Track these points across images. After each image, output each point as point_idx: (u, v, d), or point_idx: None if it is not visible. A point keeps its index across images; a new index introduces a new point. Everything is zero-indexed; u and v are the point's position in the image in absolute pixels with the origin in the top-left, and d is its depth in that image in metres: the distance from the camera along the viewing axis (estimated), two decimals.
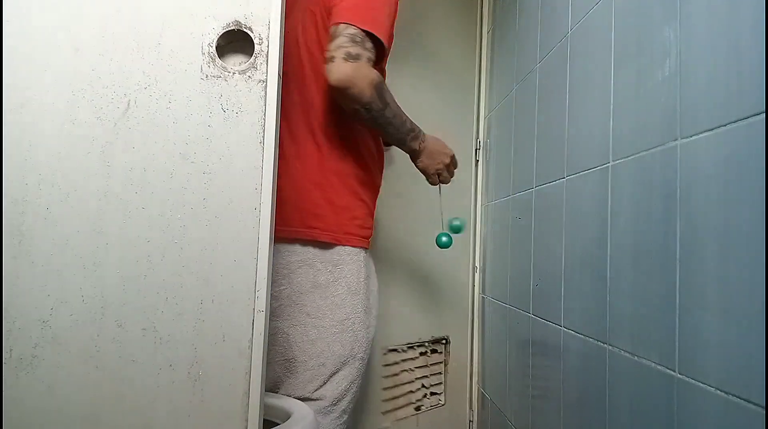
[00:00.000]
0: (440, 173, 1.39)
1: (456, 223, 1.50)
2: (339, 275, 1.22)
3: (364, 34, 1.14)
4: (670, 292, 0.78)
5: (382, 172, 1.40)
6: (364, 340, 1.26)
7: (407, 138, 1.29)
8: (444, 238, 1.49)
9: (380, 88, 1.16)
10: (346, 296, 1.22)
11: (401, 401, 1.79)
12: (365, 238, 1.28)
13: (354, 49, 1.12)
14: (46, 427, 0.81)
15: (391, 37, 1.23)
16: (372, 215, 1.33)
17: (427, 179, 1.40)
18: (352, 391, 1.24)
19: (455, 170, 1.44)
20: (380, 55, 1.20)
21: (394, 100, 1.22)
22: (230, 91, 0.87)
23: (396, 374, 1.81)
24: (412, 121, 1.29)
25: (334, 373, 1.21)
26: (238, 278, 0.85)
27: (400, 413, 1.79)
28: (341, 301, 1.22)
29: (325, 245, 1.22)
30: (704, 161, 0.72)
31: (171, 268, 0.84)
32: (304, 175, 1.23)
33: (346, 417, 1.25)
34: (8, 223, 0.82)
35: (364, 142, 1.30)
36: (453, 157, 1.40)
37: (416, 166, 1.37)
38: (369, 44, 1.14)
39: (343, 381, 1.22)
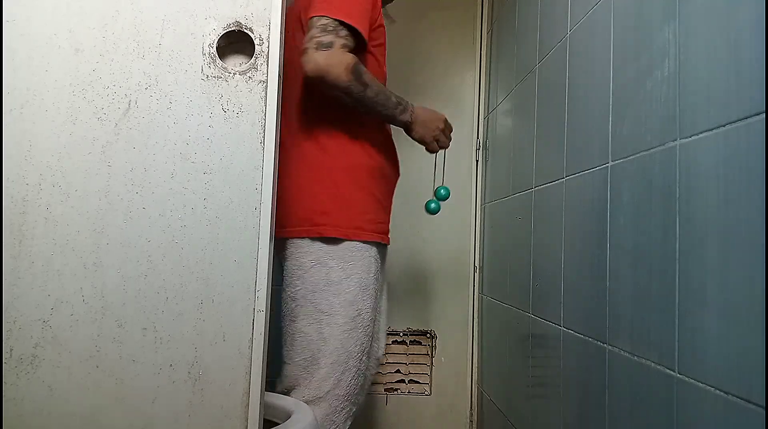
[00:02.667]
0: (438, 139, 1.38)
1: (443, 191, 1.52)
2: (351, 272, 1.23)
3: (336, 23, 1.16)
4: (670, 292, 0.78)
5: (396, 165, 1.39)
6: (371, 336, 1.29)
7: (396, 113, 1.28)
8: (433, 205, 1.51)
9: (357, 71, 1.17)
10: (358, 293, 1.23)
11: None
12: (377, 232, 1.28)
13: (326, 38, 1.14)
14: (46, 427, 0.81)
15: (368, 25, 1.24)
16: (385, 209, 1.33)
17: (427, 149, 1.40)
18: (359, 383, 1.27)
19: (451, 134, 1.43)
20: (360, 42, 1.21)
21: (375, 80, 1.22)
22: (231, 92, 0.87)
23: None
24: (397, 96, 1.29)
25: (345, 370, 1.23)
26: (238, 278, 0.85)
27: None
28: (353, 297, 1.23)
29: (335, 241, 1.23)
30: (704, 161, 0.72)
31: (171, 268, 0.84)
32: (307, 174, 1.25)
33: (355, 408, 1.28)
34: (9, 223, 0.82)
35: (369, 134, 1.30)
36: (446, 121, 1.40)
37: (413, 138, 1.37)
38: (343, 32, 1.16)
39: (354, 377, 1.24)
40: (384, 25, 1.33)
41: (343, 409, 1.23)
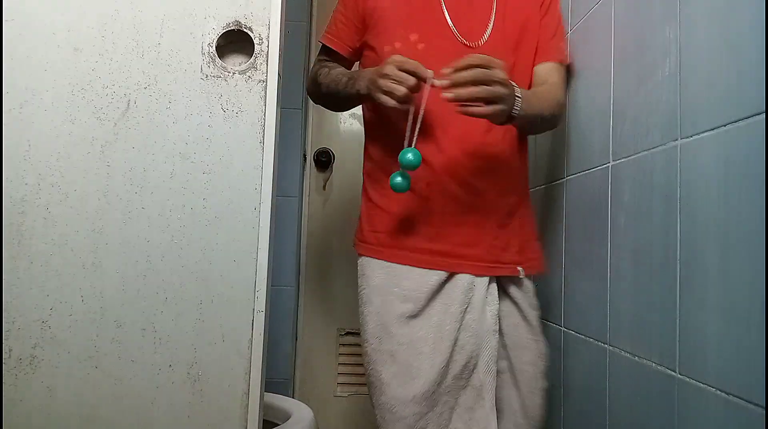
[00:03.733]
0: (380, 86, 1.04)
1: (409, 155, 1.03)
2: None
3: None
4: (671, 292, 0.78)
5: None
6: (381, 361, 1.13)
7: (349, 89, 1.16)
8: (398, 178, 1.06)
9: (313, 79, 1.28)
10: (360, 306, 1.18)
11: (358, 379, 2.02)
12: (363, 242, 1.19)
13: None
14: (46, 427, 0.81)
15: (341, 31, 1.24)
16: (389, 215, 1.16)
17: (384, 103, 1.05)
18: (380, 401, 1.13)
19: (409, 71, 1.01)
20: (336, 54, 1.26)
21: (330, 74, 1.23)
22: (230, 92, 0.87)
23: (351, 354, 2.03)
24: (352, 72, 1.21)
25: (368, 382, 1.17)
26: (238, 278, 0.85)
27: (354, 388, 2.04)
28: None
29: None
30: (704, 161, 0.72)
31: (171, 268, 0.84)
32: None
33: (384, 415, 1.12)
34: (8, 223, 0.82)
35: (372, 138, 1.25)
36: (393, 62, 1.03)
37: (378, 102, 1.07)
38: (320, 53, 1.30)
39: (372, 387, 1.16)
40: (384, 7, 1.19)
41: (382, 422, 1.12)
